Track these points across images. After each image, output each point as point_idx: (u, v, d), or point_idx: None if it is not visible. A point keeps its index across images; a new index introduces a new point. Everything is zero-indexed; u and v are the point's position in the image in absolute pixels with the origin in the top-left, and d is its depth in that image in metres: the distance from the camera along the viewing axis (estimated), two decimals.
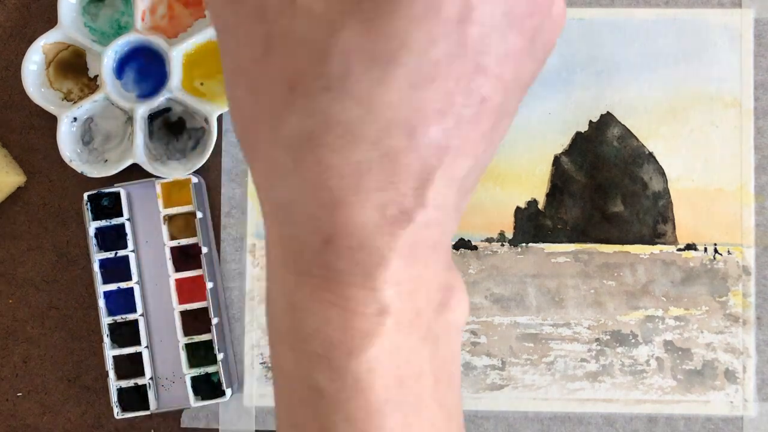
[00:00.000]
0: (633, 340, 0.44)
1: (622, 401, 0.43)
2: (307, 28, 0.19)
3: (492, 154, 0.22)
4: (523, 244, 0.44)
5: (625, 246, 0.44)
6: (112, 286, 0.43)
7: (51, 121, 0.44)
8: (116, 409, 0.43)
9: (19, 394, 0.45)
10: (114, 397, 0.43)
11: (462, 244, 0.44)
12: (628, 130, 0.44)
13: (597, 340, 0.44)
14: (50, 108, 0.43)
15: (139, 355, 0.43)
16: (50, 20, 0.45)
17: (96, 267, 0.43)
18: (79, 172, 0.43)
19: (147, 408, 0.43)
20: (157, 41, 0.43)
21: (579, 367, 0.44)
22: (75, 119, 0.44)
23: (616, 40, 0.44)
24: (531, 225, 0.44)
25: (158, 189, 0.43)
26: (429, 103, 0.19)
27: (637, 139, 0.44)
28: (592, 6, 0.45)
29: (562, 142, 0.44)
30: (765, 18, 0.44)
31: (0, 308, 0.45)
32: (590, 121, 0.44)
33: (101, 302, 0.43)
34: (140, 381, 0.43)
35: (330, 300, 0.21)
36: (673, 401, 0.43)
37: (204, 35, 0.43)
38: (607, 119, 0.44)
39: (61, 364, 0.45)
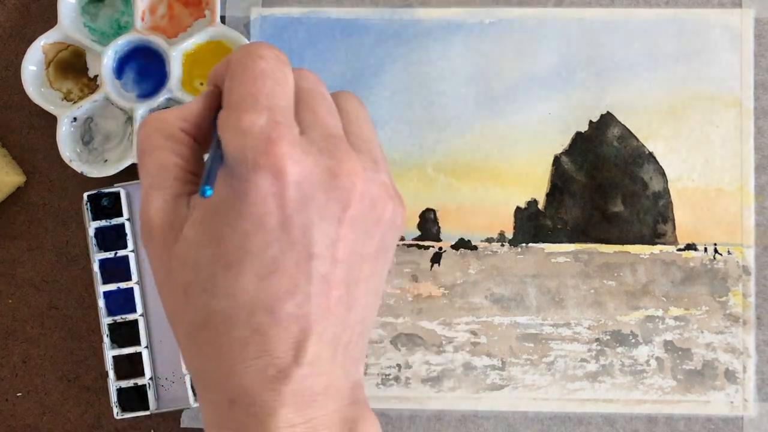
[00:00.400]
0: (633, 340, 0.44)
1: (622, 401, 0.43)
2: (186, 251, 0.27)
3: (365, 314, 0.29)
4: (523, 244, 0.44)
5: (625, 246, 0.44)
6: (112, 286, 0.43)
7: (51, 121, 0.44)
8: (116, 410, 0.43)
9: (18, 394, 0.45)
10: (114, 397, 0.43)
11: (462, 244, 0.44)
12: (628, 130, 0.44)
13: (597, 340, 0.44)
14: (50, 108, 0.43)
15: (138, 355, 0.43)
16: (50, 20, 0.45)
17: (96, 267, 0.43)
18: (79, 172, 0.43)
19: (147, 408, 0.43)
20: (157, 41, 0.43)
21: (579, 367, 0.44)
22: (75, 119, 0.44)
23: (616, 40, 0.44)
24: (531, 225, 0.44)
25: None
26: (278, 288, 0.26)
27: (637, 139, 0.44)
28: (592, 6, 0.45)
29: (562, 142, 0.44)
30: (765, 18, 0.44)
31: (0, 308, 0.45)
32: (590, 121, 0.44)
33: (101, 302, 0.43)
34: (140, 381, 0.43)
35: None
36: (673, 401, 0.43)
37: (204, 35, 0.43)
38: (607, 119, 0.44)
39: (61, 364, 0.45)
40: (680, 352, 0.44)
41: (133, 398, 0.43)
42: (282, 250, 0.26)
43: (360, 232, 0.28)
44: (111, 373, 0.43)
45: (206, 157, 0.29)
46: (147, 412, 0.43)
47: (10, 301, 0.45)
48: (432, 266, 0.44)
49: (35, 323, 0.45)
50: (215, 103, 0.30)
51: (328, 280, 0.27)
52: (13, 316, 0.45)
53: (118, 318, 0.43)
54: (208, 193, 0.25)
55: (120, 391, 0.43)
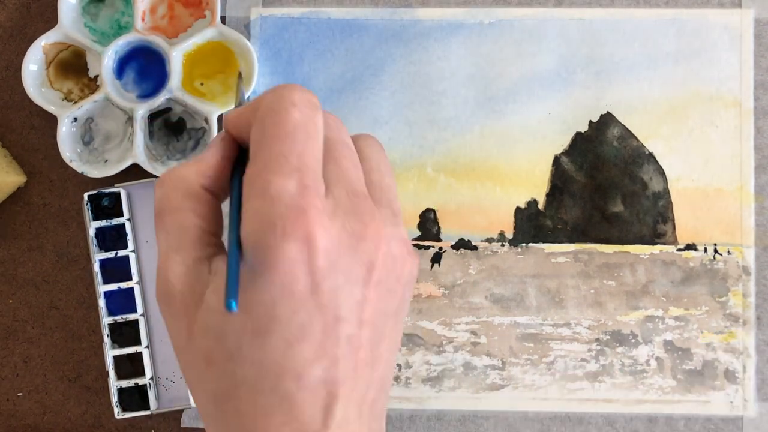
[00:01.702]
0: (633, 340, 0.44)
1: (622, 401, 0.43)
2: (209, 318, 0.26)
3: (387, 369, 0.29)
4: (523, 244, 0.44)
5: (625, 246, 0.44)
6: (113, 286, 0.43)
7: (51, 121, 0.44)
8: (116, 409, 0.43)
9: (19, 394, 0.45)
10: (114, 397, 0.43)
11: (462, 244, 0.44)
12: (628, 130, 0.44)
13: (597, 340, 0.44)
14: (50, 108, 0.43)
15: (139, 355, 0.43)
16: (50, 20, 0.45)
17: (96, 267, 0.43)
18: (80, 172, 0.43)
19: (147, 408, 0.43)
20: (158, 41, 0.43)
21: (579, 367, 0.44)
22: (75, 119, 0.44)
23: (616, 40, 0.44)
24: (531, 225, 0.44)
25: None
26: (305, 354, 0.25)
27: (637, 139, 0.44)
28: (592, 6, 0.45)
29: (562, 142, 0.44)
30: (765, 18, 0.44)
31: (0, 308, 0.45)
32: (590, 121, 0.44)
33: (101, 302, 0.43)
34: (140, 381, 0.43)
35: None
36: (673, 401, 0.43)
37: (204, 35, 0.43)
38: (607, 119, 0.44)
39: (62, 364, 0.45)
40: (680, 352, 0.44)
41: (134, 398, 0.43)
42: (309, 316, 0.26)
43: (383, 291, 0.27)
44: (111, 373, 0.43)
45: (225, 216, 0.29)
46: (147, 412, 0.43)
47: (10, 301, 0.45)
48: (432, 266, 0.44)
49: (36, 323, 0.45)
50: (232, 151, 0.29)
51: (355, 342, 0.27)
52: (13, 316, 0.45)
53: (119, 318, 0.43)
54: (234, 307, 0.24)
55: (121, 390, 0.43)
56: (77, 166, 0.43)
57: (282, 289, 0.25)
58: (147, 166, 0.43)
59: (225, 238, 0.28)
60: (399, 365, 0.44)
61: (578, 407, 0.44)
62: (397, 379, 0.44)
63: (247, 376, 0.26)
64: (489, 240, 0.44)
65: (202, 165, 0.28)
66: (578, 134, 0.44)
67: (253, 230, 0.25)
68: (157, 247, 0.29)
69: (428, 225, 0.44)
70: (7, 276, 0.45)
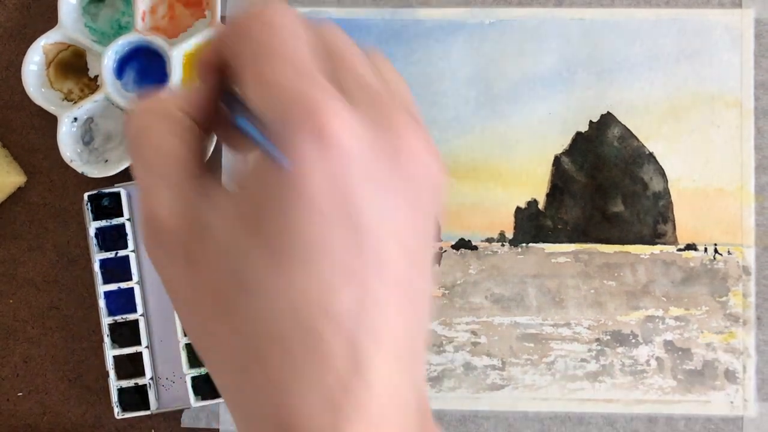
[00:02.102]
0: (633, 340, 0.44)
1: (622, 401, 0.43)
2: (224, 255, 0.22)
3: (420, 318, 0.24)
4: (524, 244, 0.44)
5: (625, 246, 0.44)
6: (113, 286, 0.43)
7: (51, 121, 0.44)
8: (116, 409, 0.43)
9: (19, 394, 0.45)
10: (114, 397, 0.43)
11: (462, 244, 0.44)
12: (629, 130, 0.44)
13: (597, 340, 0.44)
14: (50, 108, 0.43)
15: (139, 355, 0.43)
16: (50, 20, 0.45)
17: (96, 267, 0.43)
18: (80, 172, 0.43)
19: (147, 408, 0.43)
20: (158, 41, 0.43)
21: (579, 367, 0.44)
22: (75, 119, 0.44)
23: (616, 40, 0.44)
24: (531, 225, 0.44)
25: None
26: (333, 281, 0.21)
27: (637, 139, 0.44)
28: (592, 6, 0.45)
29: (562, 142, 0.44)
30: (765, 18, 0.44)
31: (0, 308, 0.45)
32: (590, 121, 0.44)
33: (101, 302, 0.43)
34: (140, 381, 0.43)
35: None
36: (673, 401, 0.43)
37: (204, 35, 0.43)
38: (608, 119, 0.44)
39: (62, 364, 0.45)
40: (680, 352, 0.44)
41: (134, 398, 0.43)
42: (340, 236, 0.21)
43: (417, 216, 0.23)
44: (112, 373, 0.43)
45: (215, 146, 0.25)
46: (148, 412, 0.43)
47: (11, 301, 0.45)
48: (432, 266, 0.44)
49: (36, 323, 0.45)
50: (216, 84, 0.26)
51: (388, 269, 0.22)
52: (14, 316, 0.45)
53: (119, 318, 0.43)
54: (286, 162, 0.21)
55: (121, 390, 0.43)
56: (77, 166, 0.43)
57: (311, 207, 0.21)
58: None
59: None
60: None
61: (578, 407, 0.44)
62: None
63: (270, 317, 0.22)
64: (489, 240, 0.44)
65: (185, 92, 0.26)
66: (579, 134, 0.44)
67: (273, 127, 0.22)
68: (135, 180, 0.25)
69: None
70: (7, 276, 0.45)
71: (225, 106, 0.26)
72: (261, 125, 0.23)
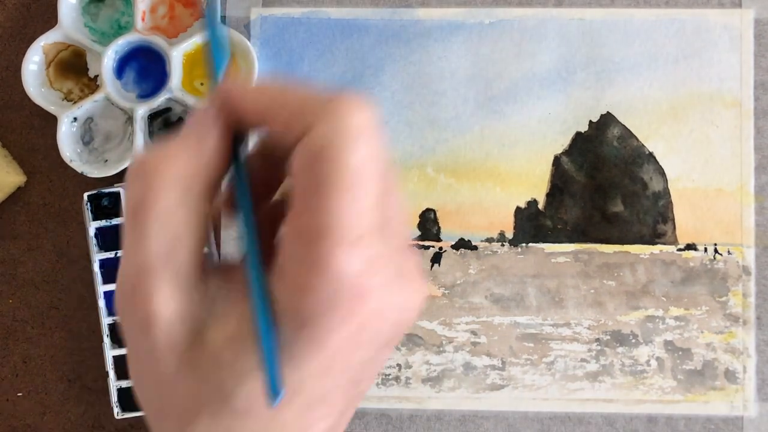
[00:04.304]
0: (633, 340, 0.44)
1: (622, 401, 0.43)
2: (212, 369, 0.22)
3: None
4: (524, 244, 0.44)
5: (625, 246, 0.44)
6: (112, 286, 0.43)
7: (51, 121, 0.44)
8: (116, 409, 0.43)
9: (19, 394, 0.45)
10: (114, 397, 0.43)
11: (462, 244, 0.44)
12: (628, 130, 0.44)
13: (597, 340, 0.44)
14: (50, 108, 0.43)
15: None
16: (50, 20, 0.45)
17: (96, 267, 0.43)
18: (79, 172, 0.43)
19: None
20: (158, 41, 0.43)
21: (579, 367, 0.44)
22: (75, 119, 0.44)
23: (616, 40, 0.44)
24: (531, 225, 0.44)
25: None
26: (317, 415, 0.23)
27: (637, 139, 0.44)
28: (592, 6, 0.45)
29: (562, 142, 0.44)
30: (765, 18, 0.44)
31: (0, 308, 0.45)
32: (590, 121, 0.44)
33: (101, 302, 0.43)
34: None
35: None
36: (673, 401, 0.43)
37: (204, 35, 0.43)
38: (607, 119, 0.44)
39: (62, 364, 0.45)
40: (680, 352, 0.44)
41: (134, 398, 0.43)
42: (336, 385, 0.23)
43: (392, 347, 0.25)
44: (111, 373, 0.43)
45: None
46: None
47: (10, 301, 0.45)
48: (432, 266, 0.44)
49: (36, 323, 0.45)
50: (229, 138, 0.23)
51: (359, 397, 0.25)
52: (13, 316, 0.45)
53: (119, 318, 0.43)
54: (277, 402, 0.21)
55: (120, 390, 0.43)
56: (77, 166, 0.43)
57: (320, 369, 0.22)
58: None
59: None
60: (399, 365, 0.44)
61: (578, 407, 0.44)
62: (397, 379, 0.44)
63: (247, 429, 0.22)
64: (489, 240, 0.44)
65: (202, 156, 0.23)
66: (578, 134, 0.44)
67: (305, 306, 0.21)
68: (124, 248, 0.23)
69: (428, 225, 0.44)
70: (7, 276, 0.45)
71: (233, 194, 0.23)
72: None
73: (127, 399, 0.43)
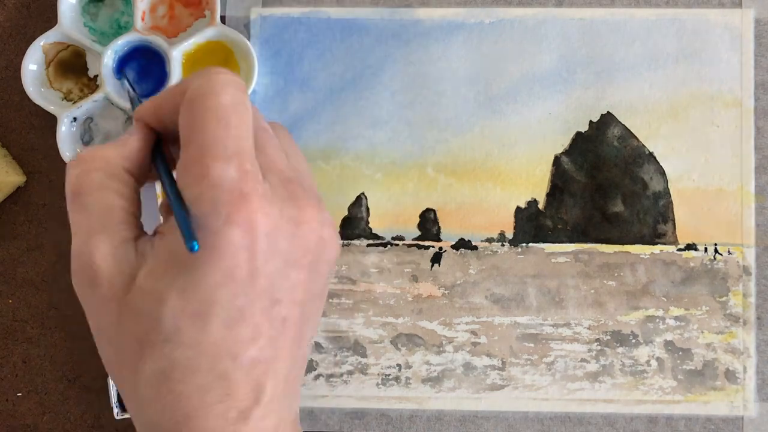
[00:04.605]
0: (633, 341, 0.44)
1: (622, 401, 0.43)
2: (142, 301, 0.26)
3: (309, 346, 0.30)
4: (524, 244, 0.44)
5: (625, 246, 0.44)
6: None
7: (51, 121, 0.44)
8: (116, 410, 0.43)
9: (18, 394, 0.45)
10: (114, 397, 0.43)
11: (462, 244, 0.44)
12: (629, 130, 0.44)
13: (597, 340, 0.44)
14: (50, 108, 0.43)
15: None
16: (50, 20, 0.45)
17: None
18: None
19: None
20: (157, 41, 0.43)
21: (579, 368, 0.44)
22: (75, 119, 0.44)
23: (616, 40, 0.44)
24: (531, 225, 0.44)
25: (158, 189, 0.43)
26: (243, 335, 0.26)
27: (637, 139, 0.44)
28: (592, 6, 0.45)
29: (562, 142, 0.44)
30: (765, 18, 0.44)
31: (0, 308, 0.45)
32: (590, 121, 0.44)
33: None
34: None
35: None
36: (673, 401, 0.43)
37: (204, 35, 0.43)
38: (608, 119, 0.44)
39: (61, 364, 0.45)
40: (680, 353, 0.44)
41: None
42: (249, 299, 0.26)
43: (314, 273, 0.28)
44: None
45: (144, 194, 0.29)
46: None
47: (10, 301, 0.45)
48: (432, 266, 0.44)
49: (35, 323, 0.45)
50: (152, 139, 0.30)
51: (287, 323, 0.27)
52: (13, 316, 0.45)
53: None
54: (196, 248, 0.25)
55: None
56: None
57: (224, 274, 0.26)
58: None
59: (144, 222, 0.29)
60: (399, 365, 0.44)
61: (578, 407, 0.43)
62: (396, 379, 0.44)
63: (184, 357, 0.26)
64: (489, 240, 0.44)
65: (124, 149, 0.28)
66: (578, 134, 0.44)
67: (195, 216, 0.26)
68: (72, 227, 0.28)
69: (428, 225, 0.44)
70: (7, 276, 0.45)
71: (155, 167, 0.29)
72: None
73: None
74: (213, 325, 0.26)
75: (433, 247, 0.44)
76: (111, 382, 0.43)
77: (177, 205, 0.26)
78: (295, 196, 0.28)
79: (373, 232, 0.44)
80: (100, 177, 0.28)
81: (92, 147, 0.28)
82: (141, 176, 0.29)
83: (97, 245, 0.27)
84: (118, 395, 0.43)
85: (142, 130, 0.29)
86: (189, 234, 0.25)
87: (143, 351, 0.26)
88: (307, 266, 0.28)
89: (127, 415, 0.43)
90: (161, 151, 0.30)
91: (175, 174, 0.28)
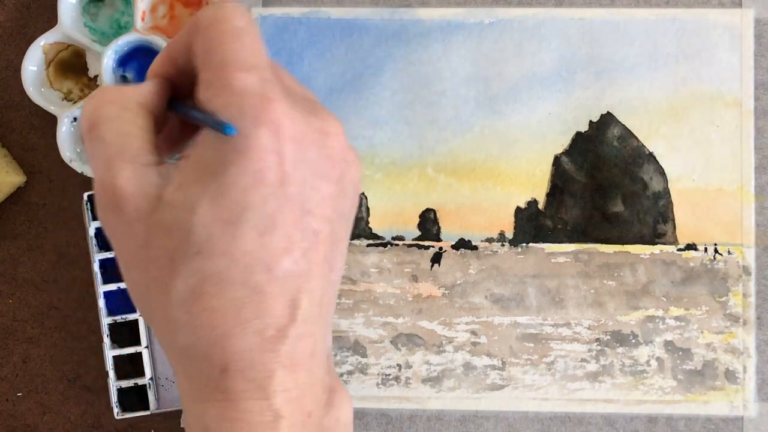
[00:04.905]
0: (633, 341, 0.44)
1: (622, 401, 0.43)
2: (172, 216, 0.26)
3: (339, 275, 0.29)
4: (524, 244, 0.44)
5: (625, 246, 0.44)
6: (112, 286, 0.43)
7: (51, 121, 0.44)
8: (116, 409, 0.43)
9: (19, 394, 0.45)
10: (114, 397, 0.43)
11: (462, 244, 0.44)
12: (629, 130, 0.44)
13: (597, 340, 0.44)
14: (50, 108, 0.43)
15: (139, 355, 0.43)
16: (50, 20, 0.45)
17: (96, 267, 0.43)
18: (79, 172, 0.43)
19: (147, 408, 0.43)
20: (158, 41, 0.43)
21: (579, 368, 0.44)
22: (75, 119, 0.44)
23: (616, 40, 0.44)
24: (531, 225, 0.44)
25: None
26: (276, 244, 0.26)
27: (637, 139, 0.44)
28: (592, 6, 0.45)
29: (562, 142, 0.44)
30: (765, 18, 0.44)
31: (0, 308, 0.45)
32: (590, 121, 0.44)
33: (101, 302, 0.43)
34: (140, 381, 0.43)
35: (234, 417, 0.26)
36: (673, 401, 0.43)
37: None
38: (608, 119, 0.44)
39: (61, 364, 0.45)
40: (680, 352, 0.44)
41: (134, 398, 0.43)
42: (279, 205, 0.26)
43: (341, 191, 0.28)
44: (111, 373, 0.43)
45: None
46: (147, 412, 0.43)
47: (10, 301, 0.45)
48: (432, 266, 0.44)
49: (35, 323, 0.45)
50: (165, 87, 0.30)
51: (319, 237, 0.27)
52: (13, 316, 0.45)
53: (119, 318, 0.43)
54: (233, 131, 0.25)
55: (120, 391, 0.43)
56: (77, 166, 0.43)
57: (254, 177, 0.25)
58: None
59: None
60: (399, 365, 0.44)
61: (578, 407, 0.43)
62: (397, 379, 0.44)
63: (216, 268, 0.25)
64: (489, 240, 0.44)
65: (140, 89, 0.29)
66: (578, 134, 0.44)
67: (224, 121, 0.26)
68: (90, 161, 0.28)
69: (428, 225, 0.44)
70: (7, 276, 0.45)
71: (174, 112, 0.30)
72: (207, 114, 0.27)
73: (127, 399, 0.43)
74: (245, 231, 0.25)
75: (433, 247, 0.44)
76: (111, 382, 0.43)
77: (203, 113, 0.26)
78: (317, 110, 0.28)
79: (373, 232, 0.44)
80: (116, 108, 0.28)
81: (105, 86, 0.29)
82: (157, 117, 0.29)
83: (118, 170, 0.27)
84: (119, 395, 0.43)
85: (157, 78, 0.30)
86: (222, 123, 0.25)
87: (174, 268, 0.26)
88: (335, 181, 0.27)
89: (127, 415, 0.43)
90: (177, 99, 0.31)
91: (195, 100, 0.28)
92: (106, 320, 0.43)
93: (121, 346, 0.43)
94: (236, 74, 0.26)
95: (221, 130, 0.25)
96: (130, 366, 0.43)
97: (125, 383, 0.43)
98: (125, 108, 0.28)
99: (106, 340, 0.43)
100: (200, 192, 0.26)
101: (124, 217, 0.27)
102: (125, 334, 0.43)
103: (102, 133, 0.27)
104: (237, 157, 0.25)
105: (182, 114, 0.29)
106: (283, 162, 0.26)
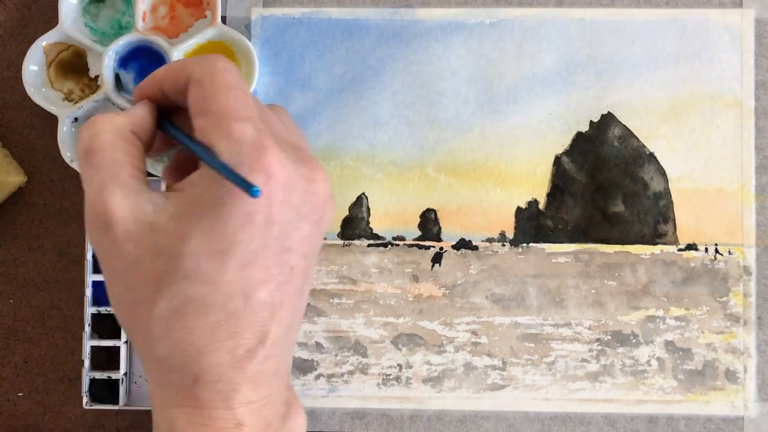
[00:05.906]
0: (634, 341, 0.44)
1: (622, 401, 0.43)
2: (163, 241, 0.29)
3: (306, 302, 0.33)
4: (524, 244, 0.44)
5: (625, 246, 0.44)
6: (102, 277, 0.43)
7: (52, 121, 0.44)
8: (85, 399, 0.43)
9: (20, 394, 0.45)
10: (85, 386, 0.43)
11: (463, 245, 0.44)
12: (629, 130, 0.44)
13: (598, 340, 0.44)
14: (51, 108, 0.43)
15: (116, 349, 0.43)
16: (51, 20, 0.45)
17: (89, 255, 0.43)
18: (80, 172, 0.43)
19: (116, 402, 0.43)
20: (158, 41, 0.43)
21: (580, 368, 0.44)
22: (76, 119, 0.44)
23: (616, 40, 0.44)
24: (532, 225, 0.44)
25: (162, 188, 0.43)
26: (255, 276, 0.29)
27: (637, 139, 0.44)
28: (592, 6, 0.45)
29: (562, 142, 0.44)
30: (765, 18, 0.44)
31: (1, 308, 0.45)
32: (591, 121, 0.44)
33: (88, 291, 0.43)
34: (114, 375, 0.43)
35: (200, 422, 0.29)
36: (673, 401, 0.43)
37: (205, 36, 0.43)
38: (608, 119, 0.44)
39: (62, 364, 0.45)
40: (681, 352, 0.44)
41: (104, 391, 0.43)
42: (263, 243, 0.29)
43: (318, 230, 0.32)
44: (86, 362, 0.43)
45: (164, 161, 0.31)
46: (116, 407, 0.43)
47: (11, 301, 0.45)
48: (433, 266, 0.44)
49: (36, 323, 0.45)
50: (154, 110, 0.33)
51: (294, 271, 0.30)
52: (14, 316, 0.45)
53: (103, 309, 0.43)
54: (258, 193, 0.28)
55: (93, 381, 0.43)
56: (78, 166, 0.43)
57: (244, 218, 0.29)
58: (147, 166, 0.43)
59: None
60: (399, 365, 0.44)
61: (579, 407, 0.44)
62: (397, 379, 0.44)
63: (200, 293, 0.28)
64: (490, 240, 0.44)
65: (132, 115, 0.32)
66: (579, 134, 0.44)
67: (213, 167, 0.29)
68: (84, 183, 0.31)
69: (429, 225, 0.44)
70: (8, 276, 0.45)
71: (164, 132, 0.33)
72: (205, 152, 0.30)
73: (98, 390, 0.43)
74: (230, 264, 0.29)
75: (433, 247, 0.44)
76: (84, 371, 0.42)
77: (214, 158, 0.29)
78: (304, 158, 0.31)
79: (373, 232, 0.44)
80: (110, 137, 0.30)
81: (102, 114, 0.32)
82: (147, 141, 0.32)
83: (109, 194, 0.29)
84: (90, 385, 0.43)
85: (145, 101, 0.33)
86: (244, 181, 0.28)
87: (160, 289, 0.29)
88: (316, 222, 0.31)
89: (96, 406, 0.43)
90: (168, 120, 0.33)
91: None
92: (90, 309, 0.43)
93: (101, 337, 0.43)
94: (234, 124, 0.29)
95: (248, 191, 0.28)
96: (106, 358, 0.43)
97: (98, 374, 0.43)
98: (119, 137, 0.31)
99: (87, 329, 0.43)
100: (194, 225, 0.29)
101: (114, 237, 0.29)
102: (108, 326, 0.43)
103: (97, 160, 0.30)
104: (231, 199, 0.29)
105: (192, 152, 0.31)
106: (271, 205, 0.29)
